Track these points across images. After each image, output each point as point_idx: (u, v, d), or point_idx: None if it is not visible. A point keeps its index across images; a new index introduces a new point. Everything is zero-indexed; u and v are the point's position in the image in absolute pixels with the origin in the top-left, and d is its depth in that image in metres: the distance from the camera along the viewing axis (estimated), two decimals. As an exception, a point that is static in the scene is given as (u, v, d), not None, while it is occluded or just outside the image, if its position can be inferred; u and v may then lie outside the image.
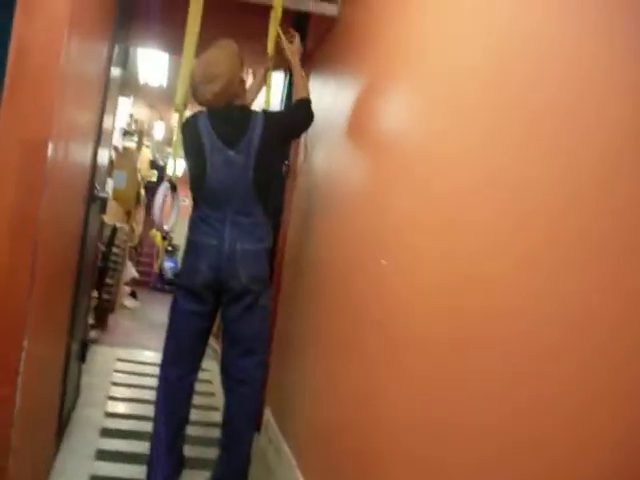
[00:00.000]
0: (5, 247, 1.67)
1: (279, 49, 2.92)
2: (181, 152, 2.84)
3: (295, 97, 2.85)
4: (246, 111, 2.74)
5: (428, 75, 1.86)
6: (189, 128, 2.73)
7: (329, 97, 3.08)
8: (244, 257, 2.60)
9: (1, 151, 1.67)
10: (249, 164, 2.61)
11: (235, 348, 2.70)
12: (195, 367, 2.75)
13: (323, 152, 3.10)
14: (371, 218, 2.18)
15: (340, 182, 2.67)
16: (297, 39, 2.94)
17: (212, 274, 2.61)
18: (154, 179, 12.39)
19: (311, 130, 2.92)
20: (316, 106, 2.80)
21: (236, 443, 2.69)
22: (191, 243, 2.70)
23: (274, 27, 2.92)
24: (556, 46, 1.22)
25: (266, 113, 2.73)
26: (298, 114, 2.81)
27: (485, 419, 1.27)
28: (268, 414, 3.39)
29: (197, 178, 2.69)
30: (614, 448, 0.94)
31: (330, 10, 3.14)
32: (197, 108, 2.74)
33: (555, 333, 1.09)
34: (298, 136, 2.88)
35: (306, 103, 2.79)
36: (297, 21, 3.63)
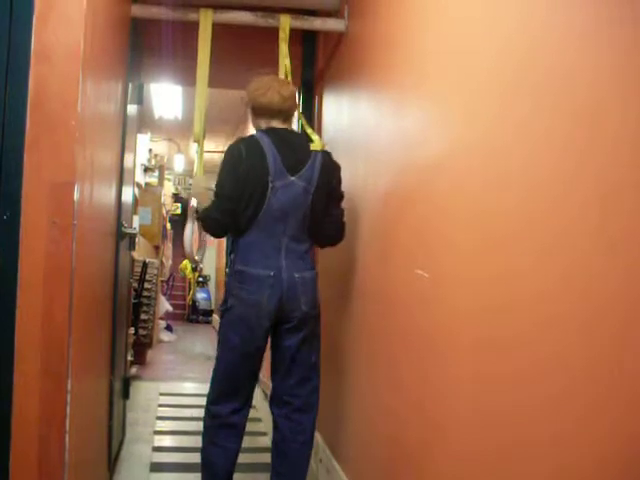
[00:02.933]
0: (41, 290, 1.69)
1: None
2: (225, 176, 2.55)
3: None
4: (305, 138, 2.66)
5: (443, 82, 1.84)
6: (251, 149, 2.52)
7: (345, 113, 3.07)
8: (303, 285, 2.52)
9: (29, 197, 1.70)
10: (310, 190, 2.51)
11: (292, 377, 2.61)
12: (248, 401, 2.66)
13: (345, 169, 3.08)
14: (402, 232, 2.16)
15: (366, 196, 2.65)
16: None
17: (274, 306, 2.49)
18: (178, 212, 12.51)
19: (331, 148, 2.92)
20: (332, 123, 2.78)
21: (294, 471, 2.61)
22: (244, 275, 2.51)
23: (283, 47, 2.94)
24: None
25: (325, 152, 2.62)
26: (338, 214, 2.68)
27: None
28: (317, 435, 3.36)
29: (254, 202, 2.49)
30: None
31: (337, 26, 3.12)
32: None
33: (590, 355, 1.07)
34: (326, 214, 2.63)
35: (343, 225, 2.69)
36: (305, 40, 3.67)
